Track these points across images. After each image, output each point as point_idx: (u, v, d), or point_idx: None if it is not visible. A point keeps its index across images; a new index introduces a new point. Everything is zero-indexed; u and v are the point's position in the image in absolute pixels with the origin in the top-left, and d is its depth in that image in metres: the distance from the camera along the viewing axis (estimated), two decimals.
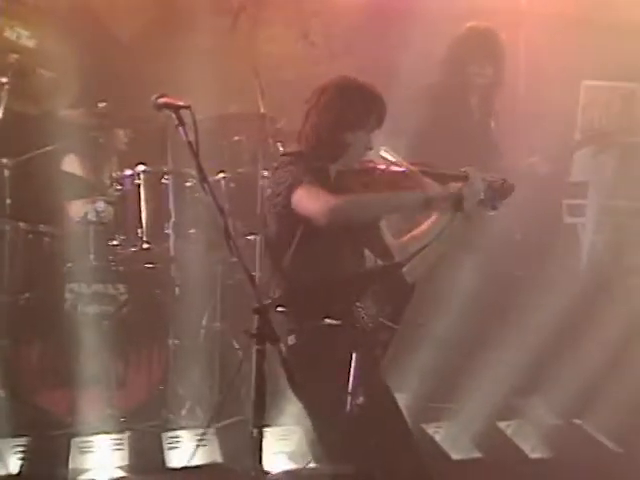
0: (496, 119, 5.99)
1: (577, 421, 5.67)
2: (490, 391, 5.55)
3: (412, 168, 3.76)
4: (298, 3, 6.83)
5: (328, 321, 3.59)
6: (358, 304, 3.66)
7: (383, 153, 3.84)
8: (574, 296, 5.82)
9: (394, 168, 3.80)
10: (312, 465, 4.95)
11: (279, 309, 3.71)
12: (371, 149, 3.83)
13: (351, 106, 3.75)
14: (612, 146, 6.54)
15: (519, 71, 6.97)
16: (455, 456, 5.22)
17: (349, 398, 3.55)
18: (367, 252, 3.81)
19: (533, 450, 5.37)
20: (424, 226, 3.87)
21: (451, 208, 3.64)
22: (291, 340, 3.72)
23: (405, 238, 3.89)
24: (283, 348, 3.05)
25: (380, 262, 3.79)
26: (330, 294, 3.65)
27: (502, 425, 5.62)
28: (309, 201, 3.54)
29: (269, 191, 3.84)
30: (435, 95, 5.86)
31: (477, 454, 5.23)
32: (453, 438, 5.38)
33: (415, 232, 3.91)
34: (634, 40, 6.21)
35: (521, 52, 6.98)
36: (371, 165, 3.84)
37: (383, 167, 3.83)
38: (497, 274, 5.85)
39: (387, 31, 6.88)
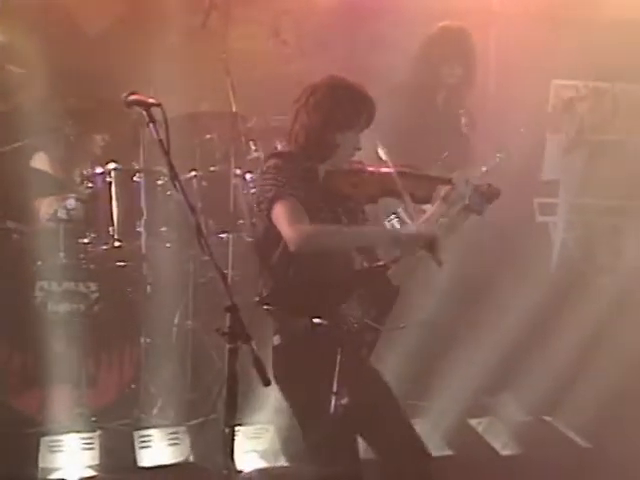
0: (468, 117, 6.01)
1: (547, 418, 5.71)
2: (461, 389, 5.57)
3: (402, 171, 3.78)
4: (269, 1, 6.81)
5: (314, 321, 3.59)
6: (344, 305, 3.66)
7: (380, 152, 3.85)
8: (545, 294, 5.86)
9: (383, 169, 3.81)
10: (284, 464, 4.98)
11: (266, 308, 3.71)
12: (360, 149, 3.83)
13: (340, 107, 3.73)
14: (582, 145, 6.57)
15: (490, 70, 7.00)
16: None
17: (334, 398, 3.55)
18: (354, 253, 3.80)
19: (504, 447, 5.39)
20: None
21: (424, 249, 3.64)
22: (276, 340, 3.72)
23: None
24: (254, 347, 3.03)
25: (366, 264, 3.79)
26: (316, 295, 3.65)
27: (473, 422, 5.64)
28: (284, 224, 3.54)
29: (256, 192, 3.82)
30: (405, 93, 5.87)
31: (449, 451, 5.25)
32: (425, 436, 5.37)
33: None
34: (603, 39, 6.25)
35: (492, 51, 7.01)
36: (359, 166, 3.84)
37: (372, 168, 3.84)
38: (470, 273, 5.87)
39: (358, 30, 6.88)
